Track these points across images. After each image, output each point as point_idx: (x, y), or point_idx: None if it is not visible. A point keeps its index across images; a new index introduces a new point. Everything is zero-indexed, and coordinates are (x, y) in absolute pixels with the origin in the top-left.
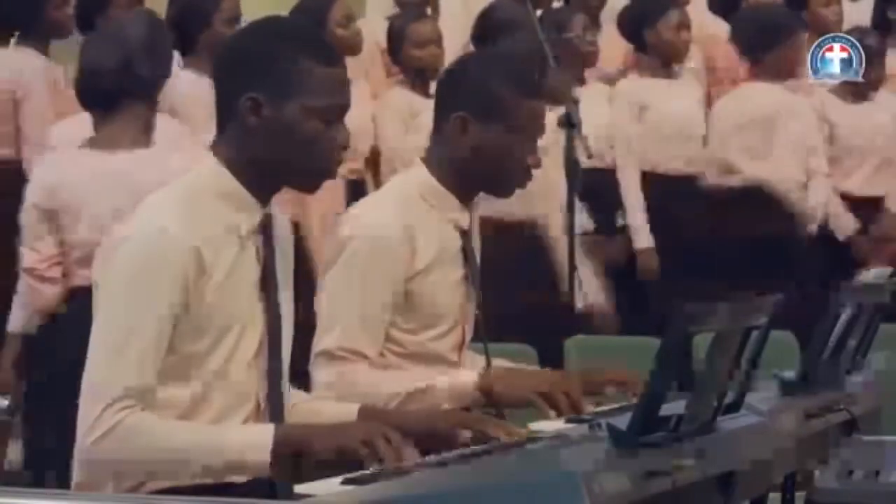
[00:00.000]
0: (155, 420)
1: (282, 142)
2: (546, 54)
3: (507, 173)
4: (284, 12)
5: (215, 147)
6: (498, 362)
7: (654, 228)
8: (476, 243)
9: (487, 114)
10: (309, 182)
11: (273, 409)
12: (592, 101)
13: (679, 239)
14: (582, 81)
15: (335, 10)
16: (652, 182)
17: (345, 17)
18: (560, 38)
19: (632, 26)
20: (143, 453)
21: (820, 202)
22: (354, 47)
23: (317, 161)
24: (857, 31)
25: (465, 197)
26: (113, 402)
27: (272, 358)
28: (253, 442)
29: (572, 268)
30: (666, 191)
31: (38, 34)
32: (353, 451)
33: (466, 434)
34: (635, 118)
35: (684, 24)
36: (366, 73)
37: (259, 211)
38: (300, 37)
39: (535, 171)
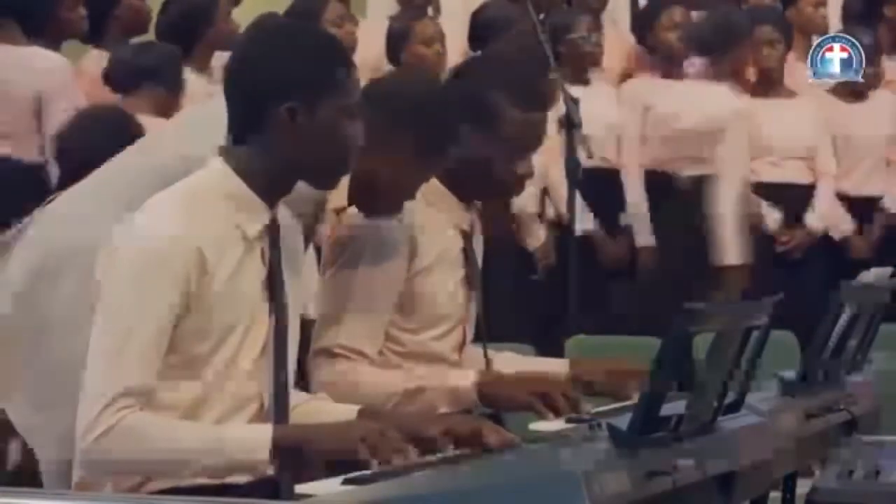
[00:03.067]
0: (154, 419)
1: (317, 144)
2: (546, 56)
3: (495, 181)
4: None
5: (225, 150)
6: (505, 354)
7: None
8: (478, 244)
9: (478, 120)
10: (330, 179)
11: (278, 410)
12: (597, 101)
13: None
14: (586, 82)
15: (329, 11)
16: (655, 181)
17: (339, 17)
18: (564, 39)
19: (639, 29)
20: (141, 453)
21: (825, 203)
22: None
23: (342, 158)
24: (857, 31)
25: (467, 197)
26: (112, 402)
27: (278, 360)
28: (251, 442)
29: (572, 267)
30: (668, 190)
31: (50, 35)
32: (353, 452)
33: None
34: (640, 118)
35: (681, 24)
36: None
37: (266, 213)
38: (320, 43)
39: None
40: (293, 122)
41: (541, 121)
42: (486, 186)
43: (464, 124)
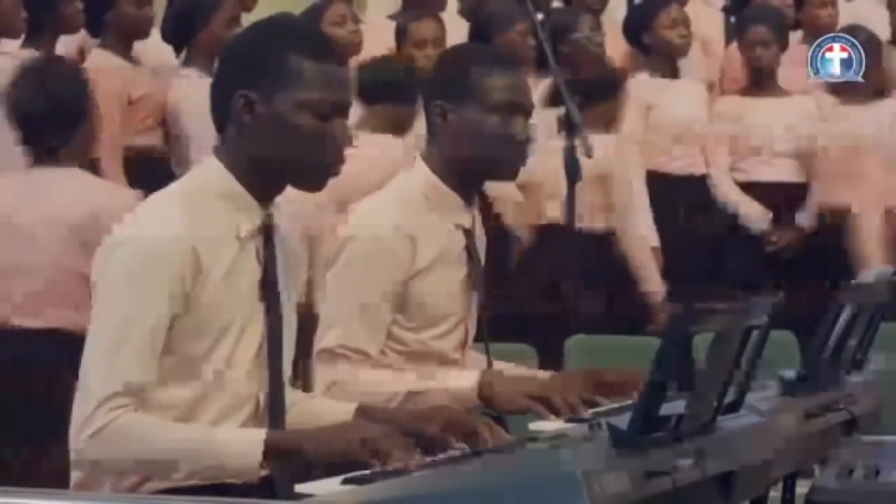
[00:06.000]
0: (146, 421)
1: (276, 137)
2: (546, 54)
3: (497, 153)
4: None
5: (217, 149)
6: (499, 365)
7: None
8: (481, 242)
9: (460, 96)
10: (310, 180)
11: (274, 410)
12: None
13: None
14: None
15: (331, 10)
16: (656, 182)
17: (340, 17)
18: (566, 40)
19: (632, 32)
20: (133, 453)
21: (817, 203)
22: (352, 47)
23: (315, 157)
24: (857, 31)
25: (468, 193)
26: (105, 402)
27: (273, 359)
28: (243, 446)
29: (573, 266)
30: (670, 190)
31: (48, 31)
32: (352, 454)
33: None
34: (642, 118)
35: (680, 21)
36: None
37: (260, 212)
38: (291, 33)
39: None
40: (250, 112)
41: (521, 82)
42: (489, 161)
43: (448, 104)
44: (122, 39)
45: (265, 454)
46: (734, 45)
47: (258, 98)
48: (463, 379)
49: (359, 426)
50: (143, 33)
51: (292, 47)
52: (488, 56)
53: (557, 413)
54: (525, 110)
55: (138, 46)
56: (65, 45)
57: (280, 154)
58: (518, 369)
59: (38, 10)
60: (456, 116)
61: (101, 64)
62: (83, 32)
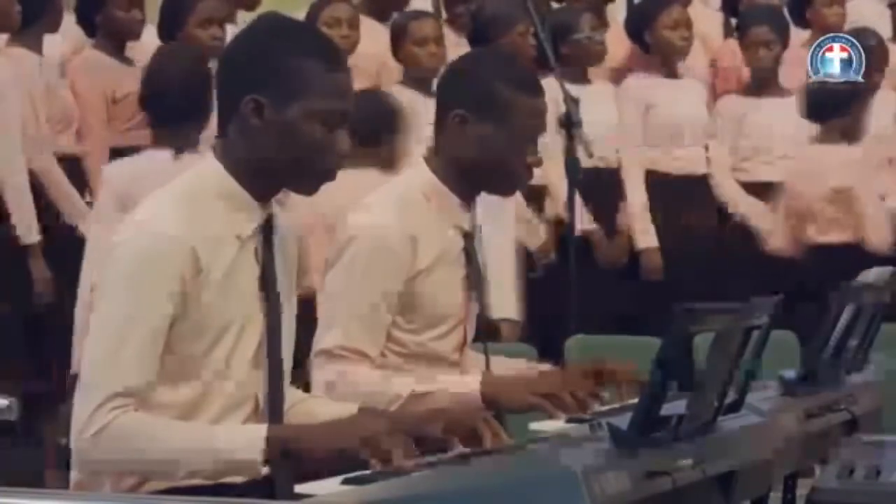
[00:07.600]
0: (147, 420)
1: (283, 144)
2: (547, 53)
3: (506, 171)
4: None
5: (216, 148)
6: (499, 360)
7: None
8: (479, 243)
9: (485, 111)
10: (308, 185)
11: (273, 409)
12: (597, 100)
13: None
14: (587, 81)
15: (327, 12)
16: (655, 181)
17: (334, 19)
18: (568, 40)
19: (634, 29)
20: (132, 453)
21: None
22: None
23: (317, 165)
24: (857, 31)
25: (468, 196)
26: (105, 402)
27: (272, 358)
28: (243, 443)
29: (572, 266)
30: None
31: (39, 26)
32: (354, 451)
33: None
34: (641, 117)
35: (682, 22)
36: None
37: (259, 211)
38: (305, 39)
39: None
40: (258, 116)
41: (543, 106)
42: (496, 178)
43: (471, 116)
44: (114, 40)
45: (267, 450)
46: (729, 40)
47: (269, 103)
48: (466, 380)
49: (360, 422)
50: (134, 34)
51: (307, 54)
52: (522, 79)
53: (567, 410)
54: (540, 134)
55: (134, 46)
56: (60, 44)
57: (284, 159)
58: (518, 365)
59: (31, 3)
60: (473, 128)
61: (89, 63)
62: (80, 32)
